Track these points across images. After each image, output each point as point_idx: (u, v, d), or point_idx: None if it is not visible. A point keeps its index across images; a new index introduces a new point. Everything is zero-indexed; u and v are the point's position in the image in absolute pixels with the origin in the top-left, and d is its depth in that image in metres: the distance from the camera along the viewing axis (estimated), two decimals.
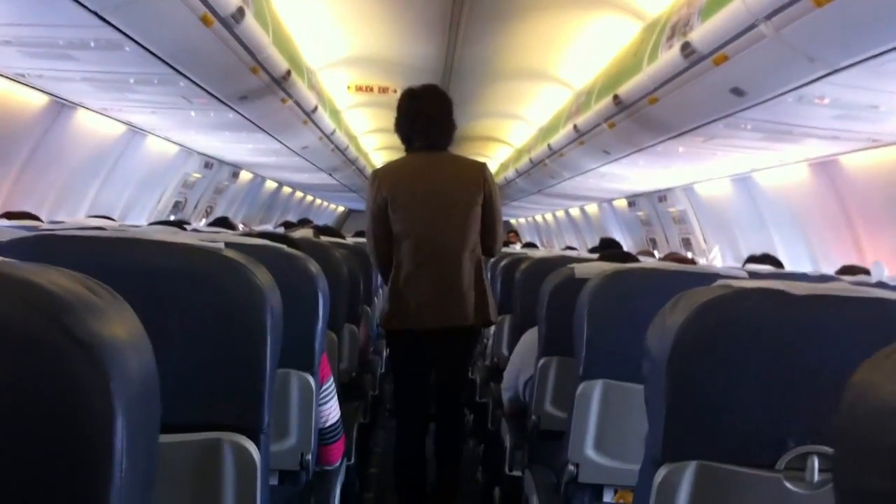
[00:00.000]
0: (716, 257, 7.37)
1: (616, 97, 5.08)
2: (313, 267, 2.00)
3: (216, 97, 4.85)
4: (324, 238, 4.22)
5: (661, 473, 1.29)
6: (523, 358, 3.05)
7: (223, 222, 6.53)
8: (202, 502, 1.33)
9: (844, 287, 1.31)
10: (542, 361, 2.65)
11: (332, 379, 2.25)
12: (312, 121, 6.56)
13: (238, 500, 1.33)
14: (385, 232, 3.22)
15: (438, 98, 3.33)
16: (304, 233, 3.95)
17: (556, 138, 7.41)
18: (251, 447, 1.35)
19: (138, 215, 7.94)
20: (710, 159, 5.91)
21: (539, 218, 18.47)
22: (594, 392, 2.13)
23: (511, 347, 3.51)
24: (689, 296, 1.34)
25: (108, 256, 1.37)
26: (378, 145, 14.25)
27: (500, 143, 12.75)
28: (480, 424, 4.44)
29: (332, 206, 21.55)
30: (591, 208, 12.93)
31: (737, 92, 3.77)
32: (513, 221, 22.32)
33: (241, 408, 1.39)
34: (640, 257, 3.45)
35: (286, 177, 11.86)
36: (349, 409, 3.19)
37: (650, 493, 1.30)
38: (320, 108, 6.54)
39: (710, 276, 1.95)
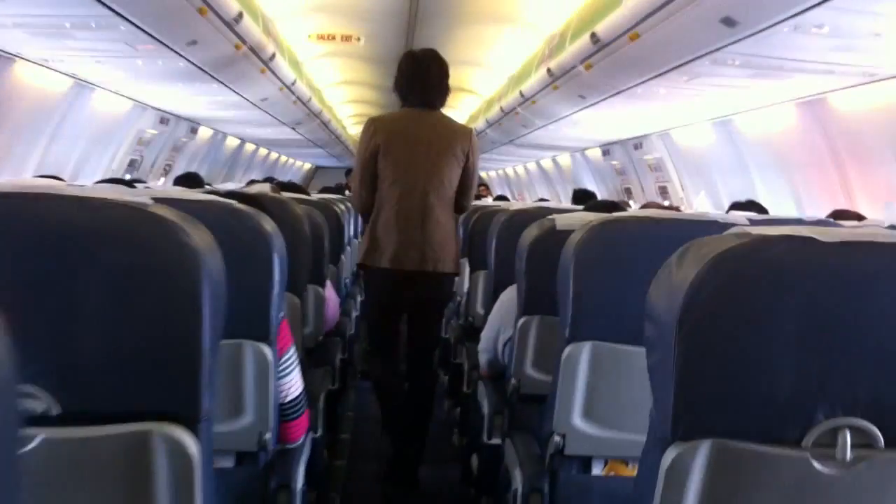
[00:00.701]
0: (702, 204, 7.12)
1: (593, 36, 4.75)
2: (267, 224, 1.80)
3: (162, 42, 4.47)
4: (285, 194, 3.97)
5: (669, 454, 1.10)
6: (502, 317, 2.89)
7: (191, 179, 6.18)
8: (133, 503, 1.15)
9: (880, 232, 1.12)
10: (521, 321, 2.47)
11: (293, 348, 2.03)
12: (271, 70, 6.18)
13: (175, 499, 1.15)
14: (371, 177, 3.42)
15: (437, 62, 3.52)
16: (261, 188, 3.62)
17: (529, 84, 7.07)
18: (187, 438, 1.15)
19: (90, 175, 7.52)
20: (692, 101, 5.62)
21: (510, 171, 18.16)
22: (582, 355, 1.94)
23: (487, 306, 3.43)
24: (697, 246, 1.15)
25: (10, 214, 1.16)
26: (346, 98, 13.82)
27: (468, 93, 12.36)
28: (455, 387, 4.23)
29: (299, 163, 21.11)
30: (564, 159, 12.64)
31: (728, 22, 3.46)
32: (483, 175, 21.99)
33: (174, 392, 1.19)
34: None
35: (248, 132, 11.44)
36: (315, 377, 3.02)
37: (657, 477, 1.11)
38: (279, 56, 6.15)
39: (712, 225, 1.83)
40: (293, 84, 7.30)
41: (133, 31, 4.16)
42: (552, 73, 6.06)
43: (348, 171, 15.91)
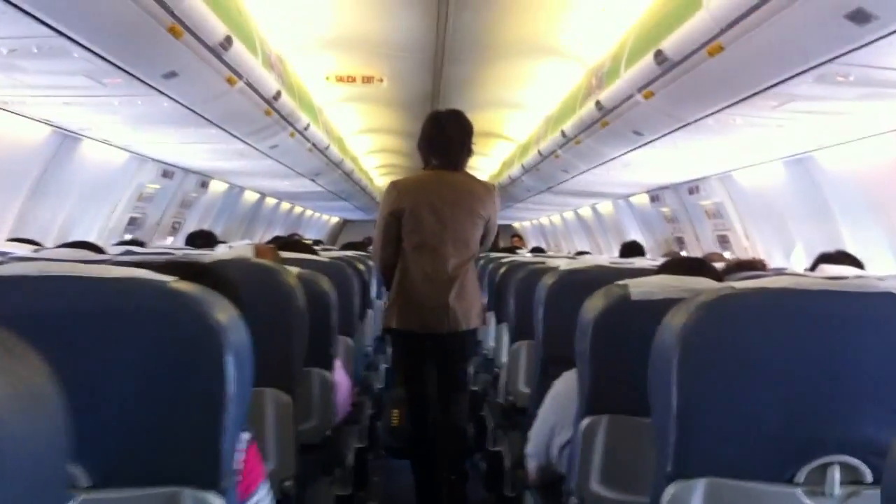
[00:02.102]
0: (798, 259, 6.13)
1: (659, 55, 3.87)
2: (218, 312, 1.26)
3: (132, 74, 3.65)
4: (284, 254, 3.27)
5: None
6: (557, 412, 2.37)
7: (204, 237, 5.46)
8: None
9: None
10: (586, 422, 1.92)
11: (264, 488, 1.51)
12: (276, 111, 5.36)
13: None
14: (394, 238, 3.56)
15: (459, 123, 3.62)
16: (242, 251, 2.78)
17: (572, 122, 6.20)
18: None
19: (84, 236, 6.74)
20: (771, 133, 4.70)
21: (545, 220, 17.24)
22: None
23: (532, 383, 3.05)
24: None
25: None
26: (371, 147, 13.04)
27: (499, 138, 11.52)
28: (495, 479, 3.70)
29: (325, 216, 20.37)
30: (605, 207, 11.73)
31: (858, 17, 2.56)
32: (516, 225, 21.10)
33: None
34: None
35: (264, 185, 10.65)
36: (319, 489, 2.79)
37: None
38: (285, 95, 5.33)
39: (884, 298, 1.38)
40: (307, 129, 6.47)
41: (91, 60, 3.36)
42: (601, 107, 5.19)
43: None
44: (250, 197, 11.78)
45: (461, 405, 3.82)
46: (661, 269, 2.52)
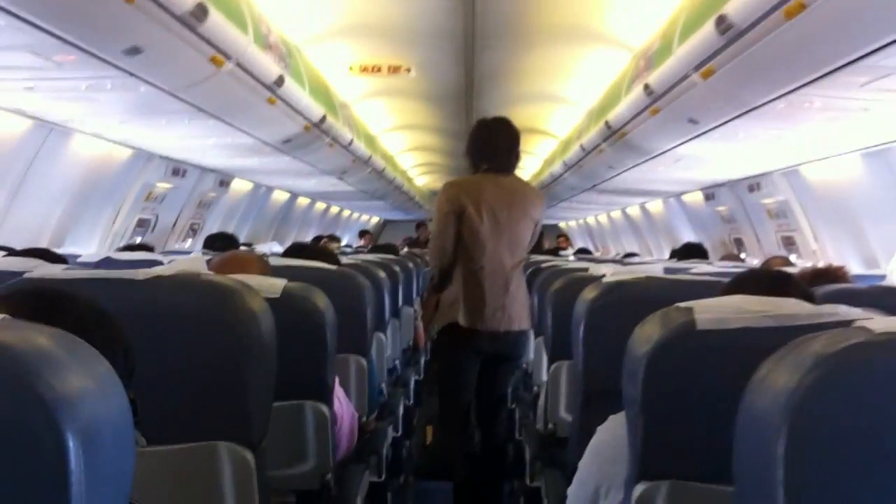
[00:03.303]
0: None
1: (722, 21, 3.18)
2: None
3: (84, 50, 3.05)
4: (287, 262, 2.94)
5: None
6: (602, 469, 1.88)
7: (224, 239, 5.01)
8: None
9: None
10: (640, 489, 1.40)
11: None
12: (282, 100, 4.75)
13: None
14: (454, 235, 3.59)
15: (507, 129, 3.71)
16: (191, 264, 2.19)
17: (617, 112, 5.50)
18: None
19: (84, 240, 6.22)
20: (856, 118, 3.97)
21: (591, 220, 16.47)
22: None
23: (571, 409, 2.84)
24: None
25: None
26: (405, 145, 12.42)
27: (541, 133, 10.82)
28: None
29: (365, 216, 19.82)
30: (654, 206, 10.98)
31: None
32: (561, 225, 20.36)
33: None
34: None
35: (289, 184, 10.07)
36: None
37: None
38: (291, 82, 4.72)
39: None
40: (322, 121, 5.85)
41: (29, 31, 2.76)
42: (651, 91, 4.49)
43: (419, 224, 14.69)
44: (280, 197, 11.24)
45: (502, 424, 3.86)
46: (735, 285, 1.95)
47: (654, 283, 2.36)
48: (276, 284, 2.01)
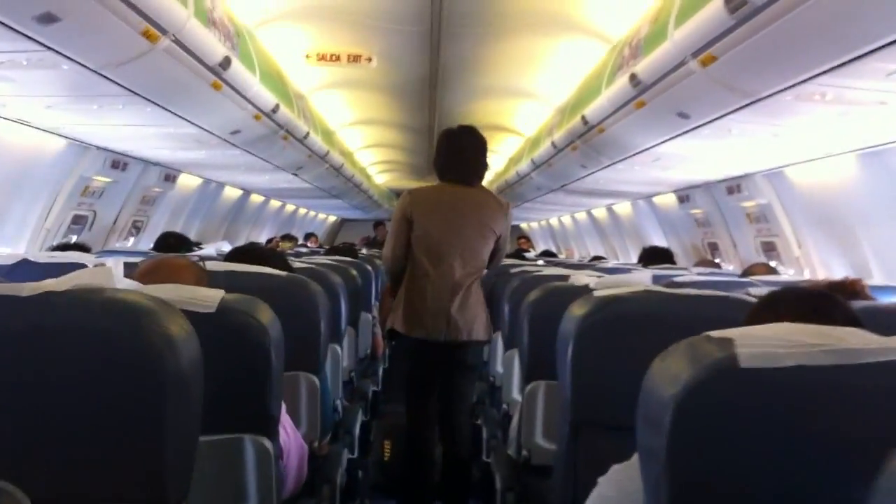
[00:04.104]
0: None
1: None
2: None
3: None
4: (232, 267, 2.63)
5: None
6: None
7: (175, 240, 4.57)
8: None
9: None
10: None
11: None
12: (228, 84, 4.25)
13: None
14: (404, 243, 3.63)
15: (473, 140, 3.69)
16: (99, 277, 1.75)
17: (596, 105, 5.08)
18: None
19: (10, 238, 5.66)
20: (868, 114, 3.59)
21: (554, 221, 16.09)
22: None
23: (550, 435, 2.61)
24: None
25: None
26: (365, 141, 11.92)
27: (506, 131, 10.42)
28: None
29: (322, 215, 19.28)
30: (622, 208, 10.62)
31: None
32: (523, 226, 19.99)
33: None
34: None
35: (241, 180, 9.50)
36: None
37: None
38: (240, 65, 4.22)
39: None
40: (275, 111, 5.36)
41: None
42: (638, 82, 4.07)
43: (377, 224, 14.22)
44: (232, 194, 10.68)
45: (464, 440, 3.77)
46: (767, 306, 1.64)
47: (656, 299, 2.03)
48: (211, 297, 1.70)
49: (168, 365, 1.30)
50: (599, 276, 3.18)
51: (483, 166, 3.72)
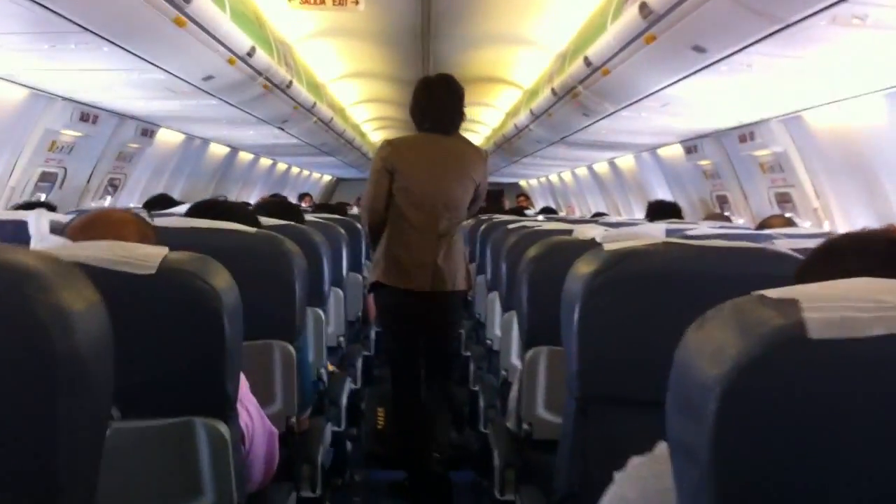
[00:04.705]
0: None
1: None
2: None
3: None
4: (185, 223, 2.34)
5: None
6: None
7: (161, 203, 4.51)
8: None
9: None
10: None
11: None
12: (193, 20, 3.82)
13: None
14: (385, 194, 3.56)
15: (450, 88, 3.64)
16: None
17: (601, 43, 4.64)
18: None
19: None
20: None
21: (554, 178, 15.66)
22: None
23: (552, 407, 2.34)
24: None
25: None
26: (358, 97, 11.46)
27: (503, 83, 9.94)
28: None
29: (316, 174, 18.84)
30: (624, 162, 10.20)
31: None
32: (522, 183, 19.57)
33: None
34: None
35: (225, 134, 9.05)
36: None
37: None
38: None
39: None
40: (251, 54, 4.92)
41: None
42: (649, 12, 3.64)
43: None
44: (219, 151, 10.24)
45: (449, 375, 3.86)
46: (827, 258, 1.28)
47: (678, 252, 1.71)
48: (152, 256, 1.45)
49: (57, 344, 0.97)
50: (606, 230, 2.89)
51: (461, 115, 3.66)
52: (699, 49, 3.69)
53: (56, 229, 1.97)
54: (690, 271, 1.63)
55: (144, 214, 2.18)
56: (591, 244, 2.03)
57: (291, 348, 2.35)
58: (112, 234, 1.80)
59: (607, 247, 1.72)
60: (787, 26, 3.10)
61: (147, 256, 1.41)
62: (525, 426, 2.61)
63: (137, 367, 1.34)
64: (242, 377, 1.76)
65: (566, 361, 1.75)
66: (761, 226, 4.41)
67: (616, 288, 1.60)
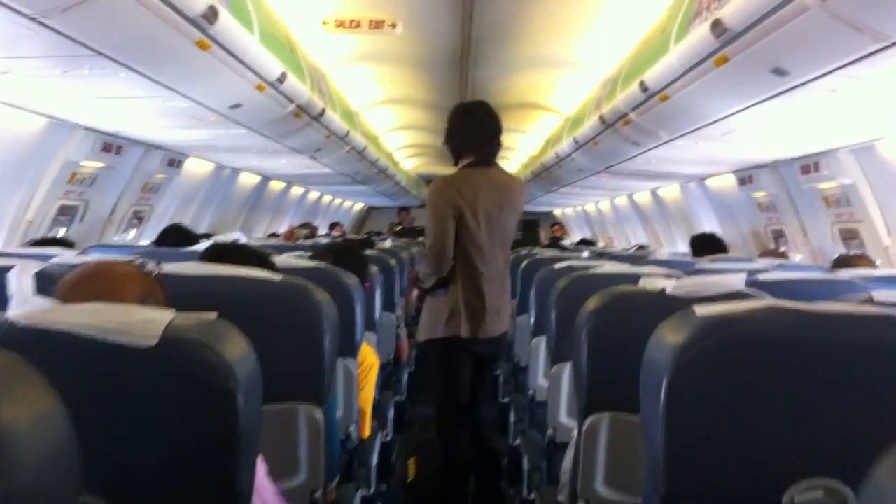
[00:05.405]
0: None
1: None
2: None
3: None
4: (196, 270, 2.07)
5: None
6: None
7: (179, 234, 4.58)
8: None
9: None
10: None
11: None
12: (216, 43, 3.48)
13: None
14: (453, 239, 3.39)
15: (490, 114, 3.51)
16: None
17: (661, 66, 4.25)
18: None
19: None
20: None
21: (591, 207, 15.21)
22: None
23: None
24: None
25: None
26: (393, 124, 11.16)
27: (542, 109, 9.62)
28: None
29: (348, 203, 18.55)
30: (667, 192, 9.76)
31: None
32: (557, 212, 19.15)
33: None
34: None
35: (254, 164, 8.76)
36: None
37: None
38: (227, 16, 3.45)
39: None
40: (282, 81, 4.59)
41: None
42: (723, 30, 3.25)
43: (401, 209, 13.51)
44: (249, 180, 9.95)
45: (488, 424, 3.82)
46: None
47: (786, 320, 1.31)
48: (152, 323, 1.22)
49: None
50: (668, 275, 2.55)
51: (500, 145, 3.55)
52: (780, 72, 3.29)
53: (60, 273, 1.77)
54: (808, 343, 1.26)
55: (152, 264, 1.84)
56: (662, 296, 1.88)
57: (319, 413, 2.05)
58: (110, 293, 1.59)
59: (699, 311, 1.35)
60: (888, 47, 2.70)
61: (147, 324, 1.19)
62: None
63: (129, 454, 1.18)
64: (260, 458, 1.46)
65: (642, 441, 1.39)
66: (837, 266, 4.05)
67: (714, 361, 1.27)
